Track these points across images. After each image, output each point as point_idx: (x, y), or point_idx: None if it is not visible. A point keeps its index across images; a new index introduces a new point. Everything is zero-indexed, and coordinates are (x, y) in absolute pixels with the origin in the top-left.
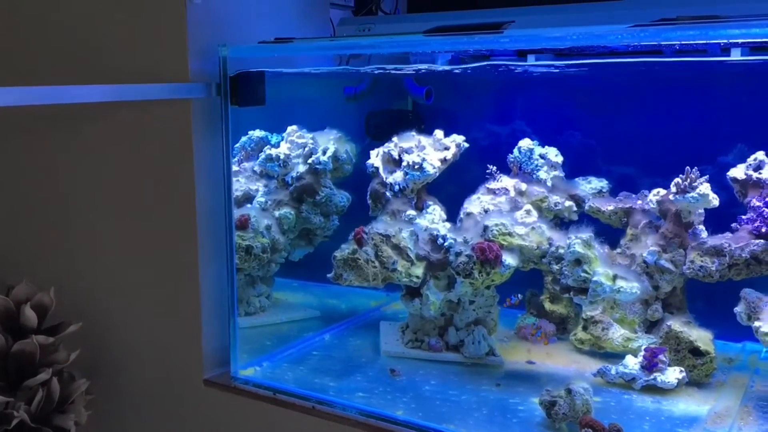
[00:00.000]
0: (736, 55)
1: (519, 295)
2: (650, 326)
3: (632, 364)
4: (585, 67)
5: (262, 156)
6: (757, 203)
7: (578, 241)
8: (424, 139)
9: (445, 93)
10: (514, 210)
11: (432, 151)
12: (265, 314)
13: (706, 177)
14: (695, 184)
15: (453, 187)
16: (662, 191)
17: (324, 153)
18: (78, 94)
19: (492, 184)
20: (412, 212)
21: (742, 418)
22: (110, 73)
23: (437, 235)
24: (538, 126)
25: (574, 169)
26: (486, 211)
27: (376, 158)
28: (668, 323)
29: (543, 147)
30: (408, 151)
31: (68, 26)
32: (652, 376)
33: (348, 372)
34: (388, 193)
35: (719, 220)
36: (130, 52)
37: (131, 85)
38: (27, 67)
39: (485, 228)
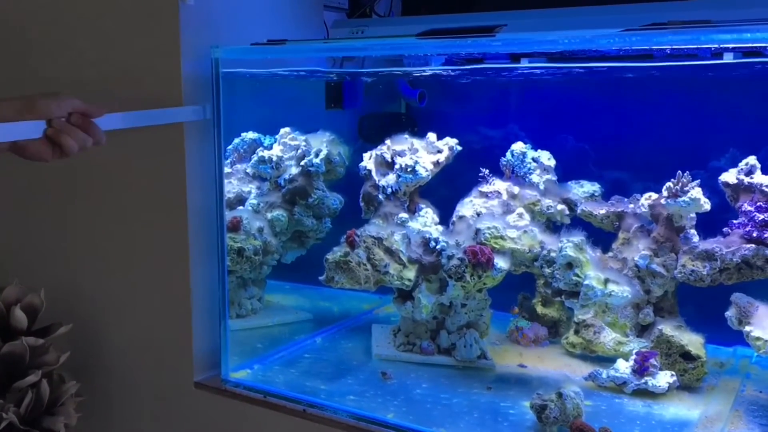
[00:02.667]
0: (728, 60)
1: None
2: (641, 330)
3: (623, 368)
4: (577, 71)
5: (255, 158)
6: (749, 207)
7: (570, 244)
8: (417, 142)
9: (438, 96)
10: (507, 213)
11: (425, 153)
12: (257, 317)
13: (698, 181)
14: (687, 188)
15: (445, 190)
16: (654, 195)
17: (317, 155)
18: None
19: (484, 188)
20: (404, 215)
21: (733, 423)
22: (100, 74)
23: (429, 238)
24: (531, 129)
25: (566, 172)
26: (478, 215)
27: (368, 161)
28: (659, 327)
29: (536, 150)
30: (401, 153)
31: (61, 27)
32: (643, 380)
33: (339, 375)
34: (380, 196)
35: (711, 224)
36: (121, 53)
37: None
38: (20, 67)
39: (477, 231)
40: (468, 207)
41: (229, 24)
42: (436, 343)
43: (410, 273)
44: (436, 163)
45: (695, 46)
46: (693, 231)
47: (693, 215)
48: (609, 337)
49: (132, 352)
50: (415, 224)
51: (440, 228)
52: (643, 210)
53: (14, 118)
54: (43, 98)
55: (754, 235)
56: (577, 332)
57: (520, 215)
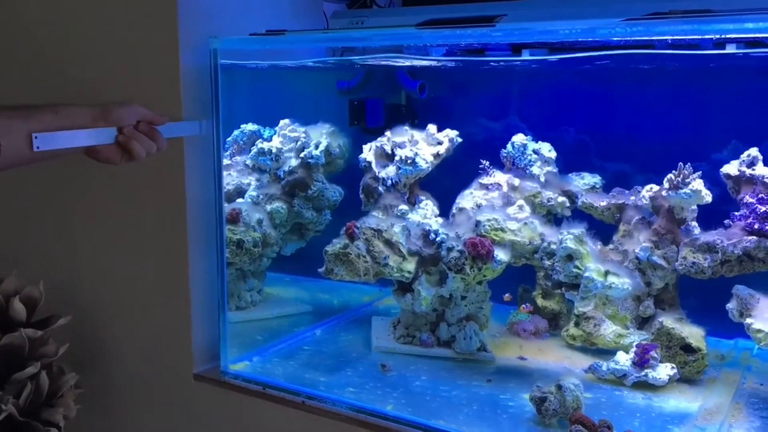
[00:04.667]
0: (730, 50)
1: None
2: (642, 323)
3: (623, 360)
4: (578, 62)
5: (254, 150)
6: (750, 200)
7: (570, 236)
8: (417, 134)
9: (438, 87)
10: (507, 205)
11: (425, 145)
12: (257, 309)
13: (699, 173)
14: (688, 180)
15: (446, 182)
16: (655, 187)
17: (316, 147)
18: None
19: (485, 179)
20: (404, 207)
21: (733, 415)
22: (98, 65)
23: (429, 230)
24: (532, 121)
25: (567, 164)
26: (478, 206)
27: (368, 153)
28: (660, 320)
29: (536, 142)
30: (401, 145)
31: (59, 18)
32: (643, 373)
33: (338, 367)
34: (380, 188)
35: (712, 216)
36: (119, 44)
37: None
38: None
39: (477, 223)
40: (468, 199)
41: (227, 14)
42: (435, 335)
43: (410, 265)
44: (437, 155)
45: (697, 37)
46: (694, 223)
47: (694, 207)
48: (609, 330)
49: (131, 344)
50: (415, 216)
51: (440, 220)
52: (644, 202)
53: (91, 125)
54: (116, 107)
55: (756, 227)
56: (577, 325)
57: (521, 207)
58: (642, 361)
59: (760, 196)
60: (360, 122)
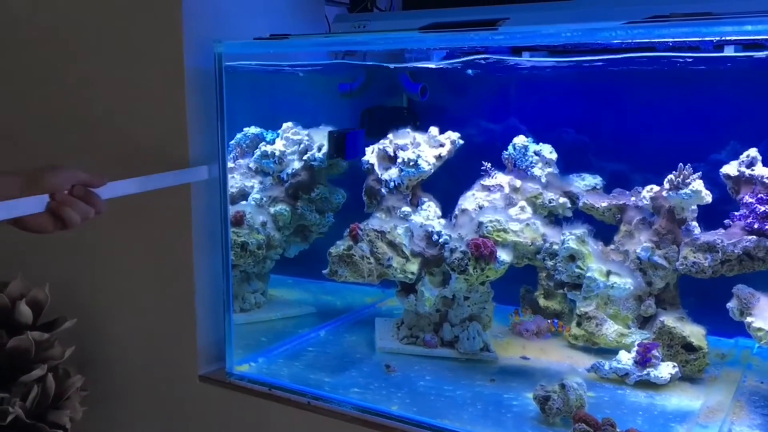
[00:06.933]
0: (729, 53)
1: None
2: (643, 322)
3: (625, 359)
4: (579, 64)
5: (258, 153)
6: (750, 199)
7: (572, 237)
8: (419, 136)
9: (440, 90)
10: (509, 206)
11: (427, 147)
12: (261, 310)
13: (699, 173)
14: (688, 180)
15: (448, 183)
16: (656, 188)
17: (319, 149)
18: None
19: (487, 181)
20: (407, 209)
21: (735, 413)
22: (102, 72)
23: (432, 231)
24: (533, 123)
25: (568, 165)
26: (481, 208)
27: (371, 155)
28: (661, 319)
29: (537, 144)
30: (403, 147)
31: (63, 25)
32: (645, 372)
33: (343, 368)
34: (383, 190)
35: (712, 216)
36: (123, 48)
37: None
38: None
39: (480, 224)
40: (470, 200)
41: (231, 18)
42: (439, 335)
43: (413, 266)
44: (438, 157)
45: (698, 39)
46: (694, 223)
47: (694, 207)
48: (611, 329)
49: (137, 346)
50: (417, 218)
51: (443, 221)
52: (645, 202)
53: (20, 195)
54: (48, 172)
55: (756, 226)
56: (579, 324)
57: (522, 208)
58: (644, 360)
59: (759, 195)
60: (339, 154)
